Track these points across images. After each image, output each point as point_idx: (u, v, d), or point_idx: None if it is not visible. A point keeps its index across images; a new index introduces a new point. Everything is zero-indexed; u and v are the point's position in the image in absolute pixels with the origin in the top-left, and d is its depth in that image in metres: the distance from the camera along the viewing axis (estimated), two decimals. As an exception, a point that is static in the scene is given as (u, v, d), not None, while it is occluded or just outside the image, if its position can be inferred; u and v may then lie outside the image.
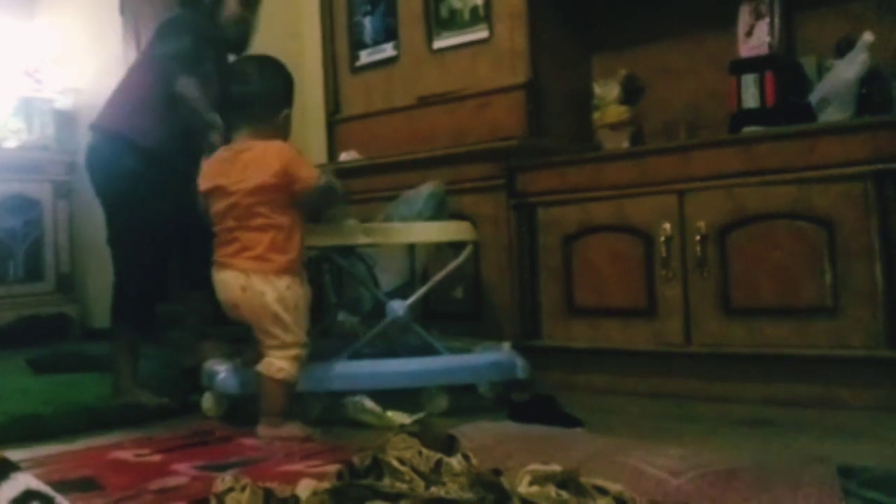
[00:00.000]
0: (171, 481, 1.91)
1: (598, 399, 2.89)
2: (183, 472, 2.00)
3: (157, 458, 2.19)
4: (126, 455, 2.22)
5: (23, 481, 1.16)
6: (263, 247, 2.45)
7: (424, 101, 3.84)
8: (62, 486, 1.31)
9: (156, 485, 1.87)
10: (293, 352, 2.45)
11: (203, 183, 2.55)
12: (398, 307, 2.82)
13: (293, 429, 2.42)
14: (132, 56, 4.77)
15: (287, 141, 2.60)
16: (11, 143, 4.87)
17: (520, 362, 2.86)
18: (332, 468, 1.71)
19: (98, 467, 2.07)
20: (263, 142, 2.51)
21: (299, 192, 2.48)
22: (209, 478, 1.75)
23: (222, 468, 1.94)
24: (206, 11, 2.86)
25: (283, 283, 2.45)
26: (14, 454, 1.95)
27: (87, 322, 4.83)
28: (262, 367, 2.45)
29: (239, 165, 2.48)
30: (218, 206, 2.51)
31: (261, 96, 2.57)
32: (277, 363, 2.43)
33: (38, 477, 1.21)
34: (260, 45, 4.25)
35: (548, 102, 3.55)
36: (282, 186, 2.45)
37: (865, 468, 1.55)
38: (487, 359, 2.88)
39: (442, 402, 2.71)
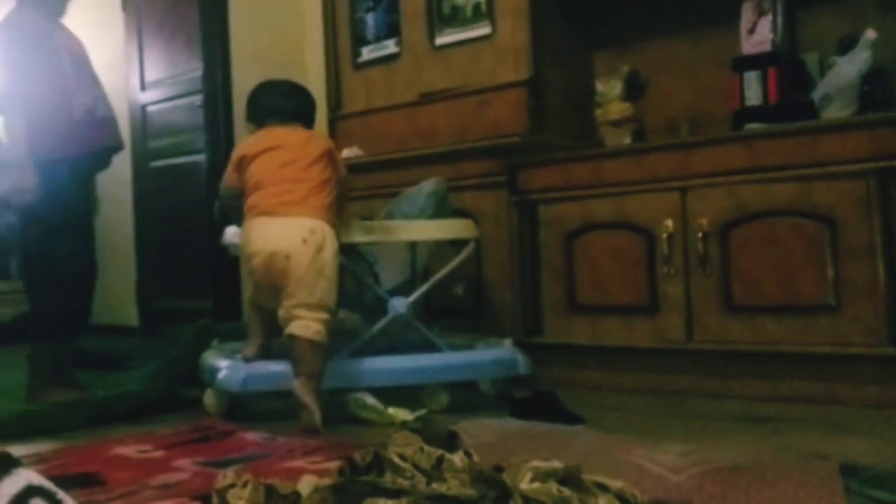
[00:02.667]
0: (173, 477, 1.91)
1: (599, 396, 2.90)
2: (185, 468, 2.00)
3: (158, 454, 2.19)
4: (128, 451, 2.23)
5: (25, 477, 1.16)
6: (328, 200, 2.59)
7: (426, 98, 3.83)
8: (64, 482, 1.31)
9: (157, 481, 1.88)
10: (325, 314, 2.50)
11: (253, 147, 2.65)
12: (400, 304, 2.82)
13: (315, 409, 2.40)
14: (134, 52, 4.79)
15: None
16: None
17: (521, 359, 2.86)
18: (334, 464, 1.71)
19: (100, 463, 2.08)
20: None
21: (340, 174, 2.71)
22: (211, 474, 1.75)
23: (224, 464, 1.94)
24: None
25: (335, 246, 2.56)
26: (16, 450, 1.95)
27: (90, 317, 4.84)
28: (296, 329, 2.46)
29: (301, 136, 2.67)
30: (274, 163, 2.60)
31: (302, 113, 2.79)
32: (314, 325, 2.46)
33: (40, 472, 1.21)
34: (263, 41, 4.27)
35: (550, 99, 3.54)
36: (337, 168, 2.68)
37: (867, 466, 1.55)
38: (489, 356, 2.88)
39: (442, 399, 2.71)
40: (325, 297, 2.50)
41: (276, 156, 2.61)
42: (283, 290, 2.50)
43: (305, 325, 2.46)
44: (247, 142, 2.74)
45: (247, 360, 2.66)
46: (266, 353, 2.70)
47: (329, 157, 2.66)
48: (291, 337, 2.47)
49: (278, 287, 2.52)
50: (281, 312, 2.51)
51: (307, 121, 2.80)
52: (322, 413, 2.42)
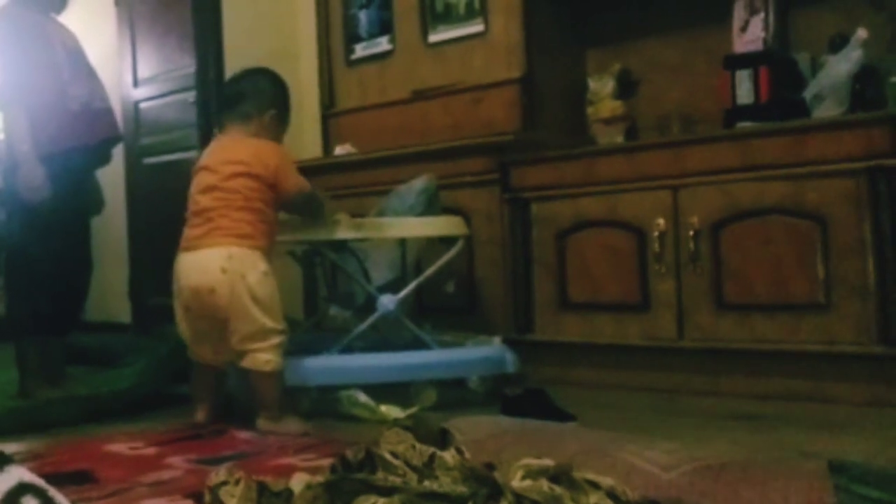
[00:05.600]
0: (166, 474, 1.92)
1: (590, 393, 2.90)
2: (177, 466, 2.00)
3: (151, 451, 2.19)
4: (120, 448, 2.23)
5: (16, 474, 1.16)
6: (245, 223, 2.46)
7: (419, 95, 3.84)
8: (56, 479, 1.32)
9: (150, 478, 1.88)
10: (275, 340, 2.44)
11: (197, 165, 2.59)
12: (389, 301, 2.82)
13: (292, 424, 2.42)
14: (127, 48, 4.78)
15: (277, 144, 2.65)
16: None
17: (509, 357, 2.87)
18: (326, 462, 1.71)
19: (92, 460, 2.08)
20: (253, 138, 2.57)
21: (284, 193, 2.56)
22: (203, 471, 1.75)
23: (216, 462, 1.94)
24: None
25: (262, 266, 2.45)
26: (8, 447, 1.95)
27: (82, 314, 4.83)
28: (247, 363, 2.44)
29: (229, 151, 2.53)
30: (198, 186, 2.53)
31: (247, 94, 2.63)
32: (262, 356, 2.42)
33: (32, 470, 1.21)
34: (256, 38, 4.27)
35: (542, 97, 3.55)
36: (269, 183, 2.50)
37: (856, 463, 1.56)
38: (477, 353, 2.89)
39: (431, 396, 2.72)
40: (267, 321, 2.43)
41: (201, 179, 2.54)
42: (223, 325, 2.43)
43: (253, 357, 2.42)
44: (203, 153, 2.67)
45: (200, 426, 2.53)
46: (221, 414, 2.61)
47: (271, 172, 2.50)
48: (244, 371, 2.46)
49: (215, 321, 2.44)
50: (233, 346, 2.45)
51: (254, 102, 2.61)
52: (301, 421, 2.45)
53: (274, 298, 2.46)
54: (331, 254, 2.92)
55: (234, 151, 2.53)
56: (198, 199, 2.52)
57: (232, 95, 2.67)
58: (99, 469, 1.97)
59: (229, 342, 2.45)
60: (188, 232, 2.52)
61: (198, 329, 2.51)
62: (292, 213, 2.74)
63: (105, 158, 3.03)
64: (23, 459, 1.98)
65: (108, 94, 2.99)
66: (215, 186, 2.48)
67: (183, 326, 2.54)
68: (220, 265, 2.41)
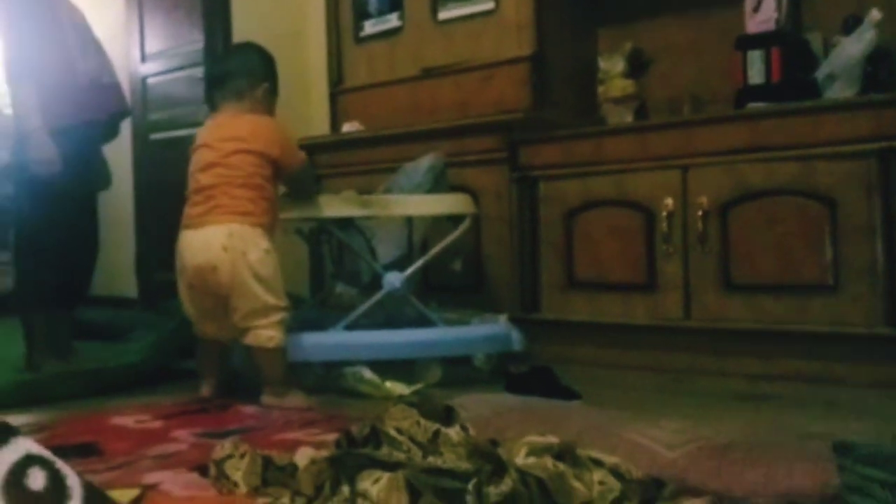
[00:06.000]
0: (171, 447, 1.92)
1: (596, 372, 2.90)
2: (183, 439, 2.01)
3: (157, 424, 2.20)
4: (126, 421, 2.24)
5: (23, 446, 1.16)
6: (246, 200, 2.46)
7: (428, 73, 3.82)
8: (62, 452, 1.32)
9: (155, 451, 1.89)
10: (277, 317, 2.45)
11: (195, 142, 2.59)
12: (395, 279, 2.82)
13: (296, 398, 2.43)
14: (134, 23, 4.77)
15: (273, 118, 2.65)
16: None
17: (515, 335, 2.87)
18: (331, 437, 1.72)
19: (98, 433, 2.09)
20: (251, 114, 2.57)
21: (287, 167, 2.57)
22: (209, 445, 1.76)
23: (221, 435, 1.95)
24: None
25: (264, 244, 2.45)
26: (15, 419, 1.97)
27: (89, 289, 4.84)
28: (250, 340, 2.45)
29: (228, 128, 2.53)
30: (198, 163, 2.53)
31: (238, 71, 2.63)
32: (265, 332, 2.43)
33: (39, 442, 1.21)
34: (264, 14, 4.25)
35: (552, 76, 3.53)
36: (270, 159, 2.51)
37: (861, 444, 1.55)
38: (483, 331, 2.89)
39: (436, 373, 2.72)
40: (269, 298, 2.43)
41: (200, 156, 2.53)
42: (227, 302, 2.44)
43: (256, 334, 2.43)
44: (196, 136, 2.65)
45: (206, 399, 2.54)
46: (229, 388, 2.62)
47: (272, 148, 2.51)
48: (248, 348, 2.47)
49: (218, 299, 2.44)
50: (236, 323, 2.45)
51: (246, 78, 2.60)
52: (305, 396, 2.46)
53: (276, 275, 2.46)
54: (338, 231, 2.92)
55: (232, 128, 2.52)
56: (198, 177, 2.52)
57: (222, 74, 2.65)
58: (105, 442, 1.98)
59: (232, 319, 2.45)
60: (189, 210, 2.52)
61: (202, 306, 2.51)
62: (290, 186, 2.72)
63: (113, 133, 3.03)
64: (30, 432, 1.99)
65: (115, 69, 2.98)
66: (216, 163, 2.48)
67: (187, 304, 2.55)
68: (222, 243, 2.41)
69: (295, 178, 2.67)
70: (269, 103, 2.66)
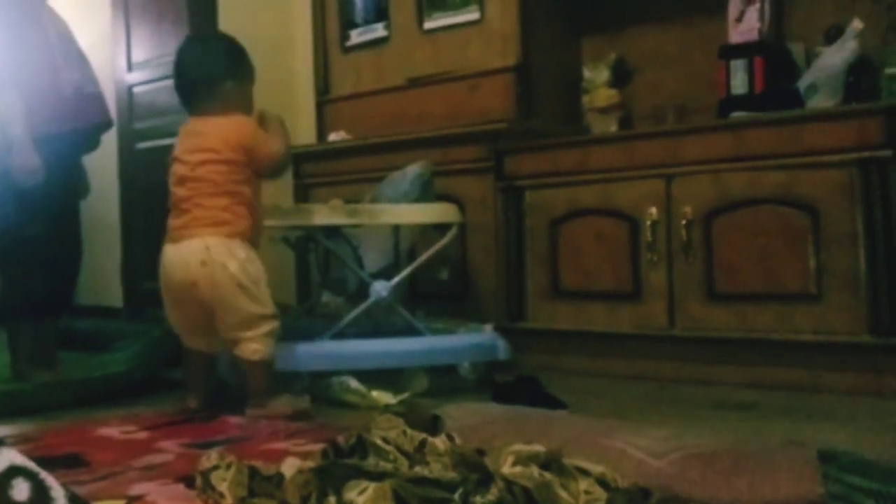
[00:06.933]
0: (157, 458, 1.92)
1: (581, 381, 2.91)
2: (169, 450, 2.01)
3: (142, 435, 2.19)
4: (112, 432, 2.23)
5: (7, 457, 1.16)
6: (220, 210, 2.42)
7: (415, 82, 3.83)
8: (47, 463, 1.31)
9: (141, 462, 1.88)
10: (264, 328, 2.43)
11: (173, 154, 2.55)
12: (381, 288, 2.82)
13: (279, 405, 2.42)
14: (121, 31, 4.75)
15: (248, 110, 2.58)
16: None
17: (501, 344, 2.88)
18: (317, 447, 1.72)
19: (84, 444, 2.08)
20: (220, 117, 2.50)
21: (259, 168, 2.51)
22: (194, 455, 1.75)
23: (207, 446, 1.94)
24: None
25: (243, 253, 2.42)
26: (-1, 430, 1.95)
27: (74, 298, 4.82)
28: (237, 351, 2.43)
29: (198, 138, 2.48)
30: (173, 177, 2.51)
31: (198, 80, 2.55)
32: (251, 345, 2.41)
33: (23, 453, 1.21)
34: (251, 23, 4.25)
35: (538, 85, 3.55)
36: (239, 161, 2.46)
37: (846, 452, 1.56)
38: (469, 340, 2.90)
39: (422, 382, 2.72)
40: (254, 307, 2.41)
41: (175, 170, 2.50)
42: (212, 315, 2.41)
43: (242, 346, 2.42)
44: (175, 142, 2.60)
45: (192, 410, 2.52)
46: (215, 399, 2.58)
47: (238, 151, 2.44)
48: (236, 358, 2.46)
49: (203, 312, 2.42)
50: (223, 334, 2.44)
51: (207, 86, 2.52)
52: (293, 397, 2.46)
53: (260, 284, 2.44)
54: (324, 240, 2.92)
55: (202, 138, 2.47)
56: (174, 190, 2.50)
57: (185, 87, 2.58)
58: (90, 452, 1.97)
59: (220, 331, 2.45)
60: (170, 222, 2.50)
61: (188, 321, 2.49)
62: (268, 177, 2.64)
63: (94, 144, 3.02)
64: (14, 443, 1.98)
65: (98, 79, 2.97)
66: (187, 177, 2.46)
67: (173, 318, 2.53)
68: (200, 258, 2.38)
69: (272, 172, 2.61)
70: (239, 96, 2.56)
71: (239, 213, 2.46)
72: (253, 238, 2.50)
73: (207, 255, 2.38)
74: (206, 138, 2.47)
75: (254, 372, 2.44)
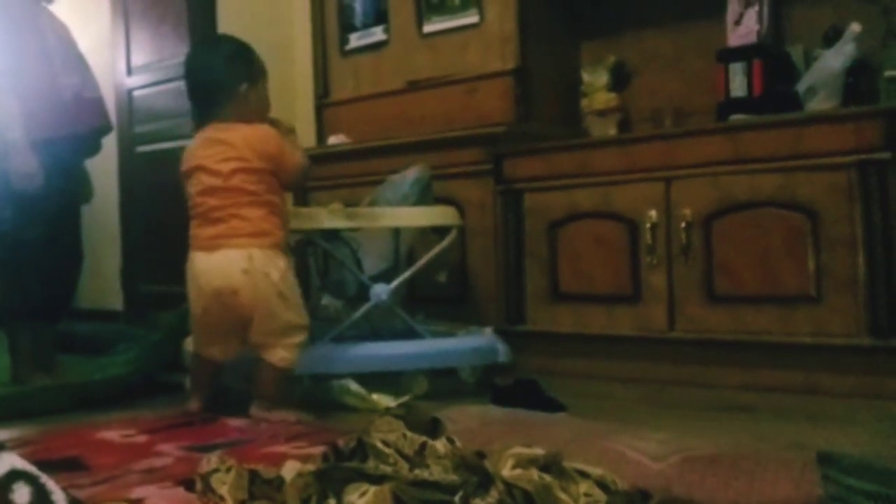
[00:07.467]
0: (157, 462, 1.92)
1: (581, 384, 2.91)
2: (168, 453, 2.01)
3: (142, 438, 2.19)
4: (112, 435, 2.23)
5: (8, 461, 1.16)
6: (259, 220, 2.41)
7: (414, 86, 3.83)
8: (48, 466, 1.32)
9: (141, 465, 1.88)
10: (297, 338, 2.44)
11: (184, 165, 2.52)
12: (381, 291, 2.83)
13: (285, 414, 2.42)
14: (121, 35, 4.76)
15: (265, 111, 2.58)
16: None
17: (501, 347, 2.88)
18: (318, 450, 1.72)
19: (84, 447, 2.08)
20: (243, 124, 2.47)
21: (285, 177, 2.51)
22: (195, 458, 1.75)
23: (207, 449, 1.94)
24: None
25: (282, 263, 2.43)
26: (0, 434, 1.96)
27: (74, 302, 4.83)
28: (264, 354, 2.43)
29: (223, 146, 2.44)
30: (199, 186, 2.46)
31: (211, 86, 2.53)
32: (280, 352, 2.42)
33: (24, 456, 1.21)
34: (250, 27, 4.25)
35: (536, 89, 3.55)
36: (267, 170, 2.45)
37: (844, 455, 1.57)
38: (469, 343, 2.90)
39: (422, 385, 2.72)
40: (291, 316, 2.43)
41: (199, 180, 2.45)
42: (246, 324, 2.41)
43: (270, 351, 2.42)
44: (185, 153, 2.55)
45: (193, 413, 2.52)
46: (216, 403, 2.58)
47: (269, 160, 2.44)
48: (259, 360, 2.45)
49: (235, 322, 2.41)
50: (253, 339, 2.44)
51: (221, 91, 2.50)
52: (296, 411, 2.44)
53: (296, 293, 2.46)
54: (324, 243, 2.92)
55: (228, 147, 2.43)
56: (203, 200, 2.45)
57: (199, 94, 2.56)
58: (90, 456, 1.97)
59: (243, 339, 2.44)
60: (198, 231, 2.46)
61: (216, 329, 2.47)
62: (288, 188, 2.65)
63: (95, 148, 3.02)
64: (15, 446, 1.98)
65: (98, 83, 2.98)
66: (219, 187, 2.42)
67: (200, 327, 2.50)
68: (242, 267, 2.37)
69: (294, 183, 2.65)
70: (255, 100, 2.54)
71: (276, 224, 2.46)
72: (287, 248, 2.51)
73: (250, 264, 2.37)
74: (234, 147, 2.43)
75: (273, 377, 2.44)
